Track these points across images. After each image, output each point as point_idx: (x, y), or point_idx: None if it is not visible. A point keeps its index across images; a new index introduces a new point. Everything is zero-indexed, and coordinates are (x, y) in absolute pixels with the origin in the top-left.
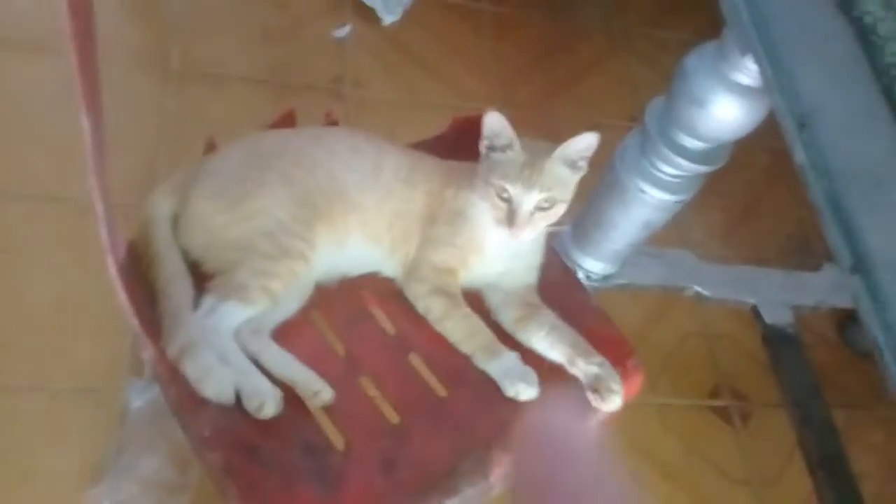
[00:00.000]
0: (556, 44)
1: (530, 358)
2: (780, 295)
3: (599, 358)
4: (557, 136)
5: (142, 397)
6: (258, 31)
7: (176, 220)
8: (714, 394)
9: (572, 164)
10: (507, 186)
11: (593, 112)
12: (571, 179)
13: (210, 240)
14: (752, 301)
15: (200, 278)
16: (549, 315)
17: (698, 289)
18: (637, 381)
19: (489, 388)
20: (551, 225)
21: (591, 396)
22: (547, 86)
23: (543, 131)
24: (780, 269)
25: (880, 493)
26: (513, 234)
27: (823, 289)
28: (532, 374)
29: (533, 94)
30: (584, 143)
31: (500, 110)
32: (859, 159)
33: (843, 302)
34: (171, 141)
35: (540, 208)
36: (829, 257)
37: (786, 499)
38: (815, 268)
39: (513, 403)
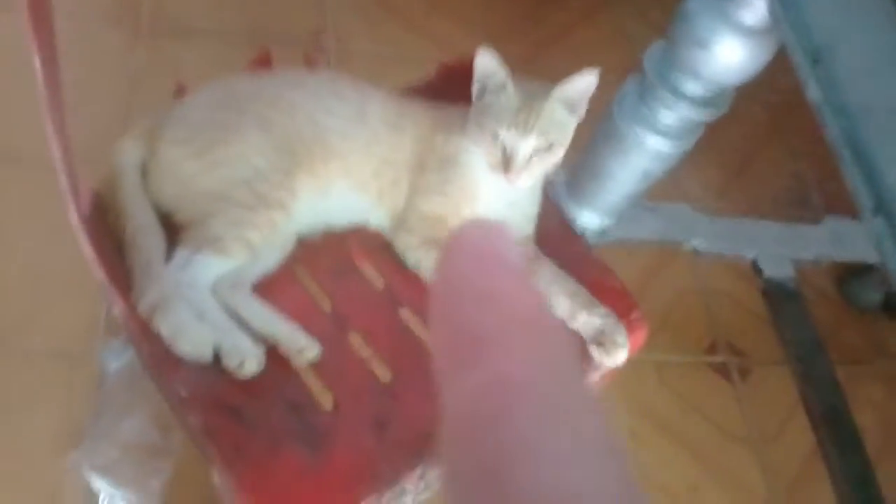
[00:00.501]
0: None
1: None
2: (780, 248)
3: (603, 309)
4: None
5: (119, 358)
6: None
7: (145, 168)
8: (712, 350)
9: (571, 106)
10: (502, 131)
11: (586, 65)
12: (570, 122)
13: (181, 189)
14: (751, 255)
15: (173, 230)
16: (547, 266)
17: (696, 243)
18: (640, 335)
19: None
20: (548, 170)
21: (594, 350)
22: (537, 39)
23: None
24: (779, 222)
25: (880, 448)
26: (509, 180)
27: (824, 242)
28: None
29: (523, 49)
30: (584, 82)
31: None
32: (878, 95)
33: (844, 255)
34: (141, 98)
35: (537, 152)
36: (829, 209)
37: (786, 455)
38: (815, 221)
39: None
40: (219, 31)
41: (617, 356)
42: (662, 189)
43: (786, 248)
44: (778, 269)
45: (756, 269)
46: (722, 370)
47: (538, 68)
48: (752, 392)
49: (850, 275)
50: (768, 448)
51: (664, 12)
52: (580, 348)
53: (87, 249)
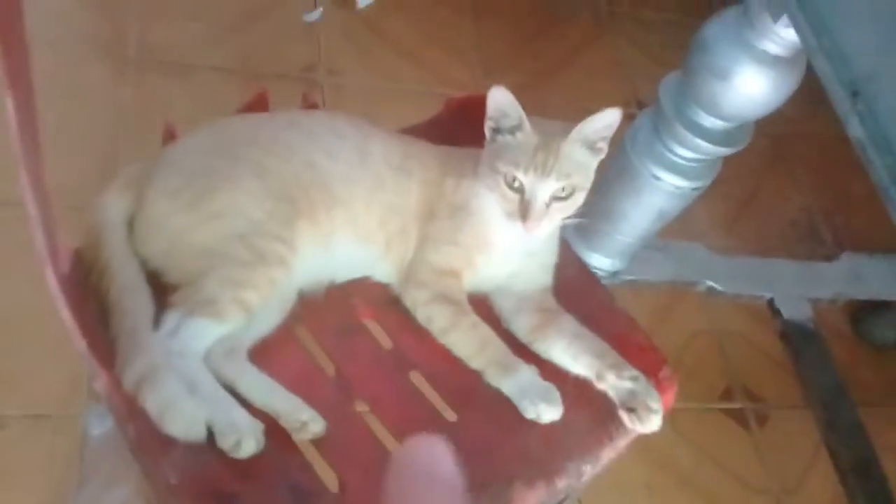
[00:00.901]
0: (541, 27)
1: (550, 372)
2: (797, 288)
3: (633, 371)
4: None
5: (103, 423)
6: (222, 15)
7: (131, 223)
8: (727, 395)
9: (591, 146)
10: (519, 174)
11: (584, 97)
12: (591, 163)
13: (171, 245)
14: (767, 295)
15: (162, 291)
16: (569, 321)
17: (711, 283)
18: (671, 395)
19: (505, 410)
20: (569, 217)
21: (625, 416)
22: (534, 71)
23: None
24: (793, 260)
25: None
26: (527, 228)
27: (840, 279)
28: (554, 392)
29: (520, 80)
30: (605, 120)
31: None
32: None
33: (861, 293)
34: (128, 136)
35: (557, 198)
36: (837, 243)
37: None
38: (826, 257)
39: (534, 427)
40: (208, 65)
41: (651, 423)
42: (668, 225)
43: (803, 288)
44: (796, 309)
45: (773, 310)
46: (738, 417)
47: (535, 99)
48: (770, 440)
49: (865, 312)
50: (790, 499)
51: (662, 40)
52: (608, 412)
53: (65, 315)
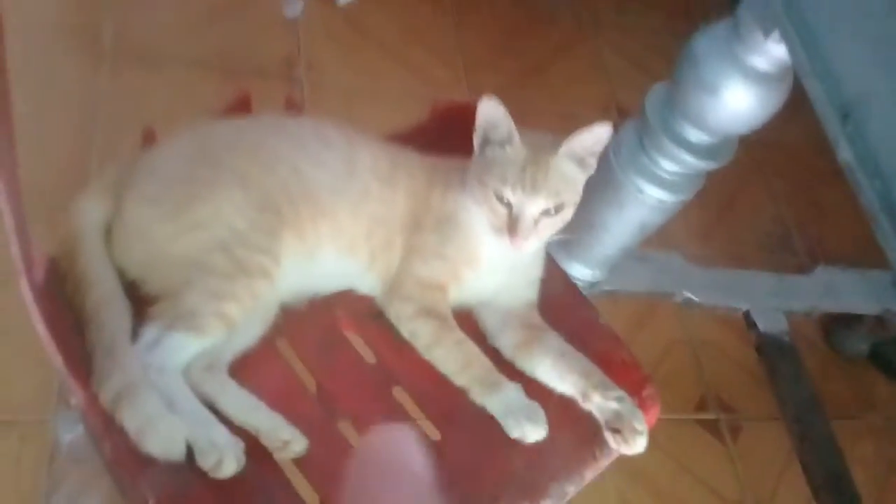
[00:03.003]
0: (522, 28)
1: (535, 390)
2: (773, 300)
3: (618, 391)
4: (529, 126)
5: (74, 429)
6: (200, 9)
7: (108, 231)
8: (702, 406)
9: (580, 161)
10: (507, 191)
11: (565, 100)
12: (580, 178)
13: (150, 254)
14: (744, 307)
15: (140, 303)
16: (554, 339)
17: (688, 294)
18: (654, 413)
19: (490, 429)
20: (557, 233)
21: (610, 437)
22: (514, 72)
23: (515, 122)
24: (769, 273)
25: None
26: (514, 244)
27: (816, 293)
28: (539, 411)
29: (500, 82)
30: (595, 135)
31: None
32: None
33: (836, 306)
34: (104, 131)
35: (545, 214)
36: (810, 254)
37: None
38: (799, 268)
39: (519, 446)
40: (186, 59)
41: (636, 445)
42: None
43: (779, 301)
44: (772, 322)
45: (749, 322)
46: (712, 428)
47: (515, 100)
48: (743, 451)
49: (838, 324)
50: None
51: (644, 46)
52: (593, 432)
53: (40, 329)
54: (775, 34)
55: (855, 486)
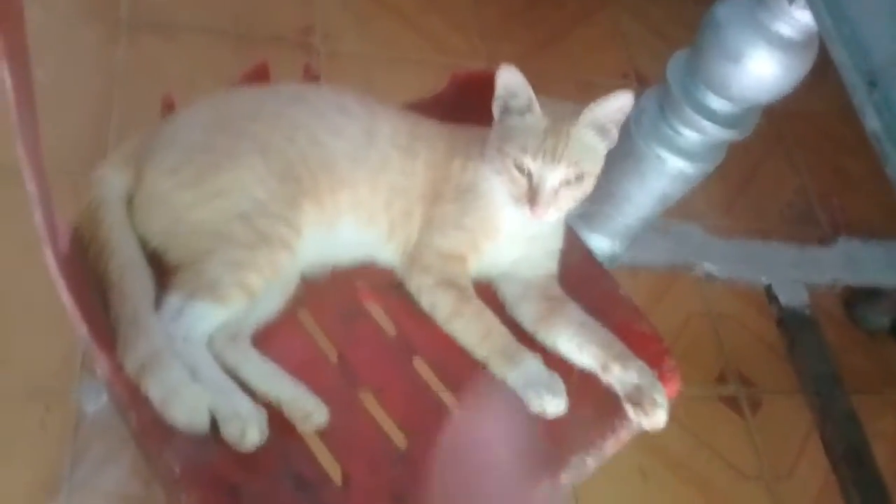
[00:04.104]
0: None
1: (555, 364)
2: (794, 272)
3: (638, 362)
4: (548, 94)
5: (98, 399)
6: None
7: (130, 200)
8: (721, 379)
9: (602, 130)
10: (527, 160)
11: (583, 68)
12: (601, 148)
13: (172, 224)
14: (765, 280)
15: (162, 271)
16: (575, 310)
17: (708, 267)
18: (674, 386)
19: (509, 401)
20: (577, 202)
21: (630, 410)
22: (532, 40)
23: (533, 90)
24: (791, 244)
25: (891, 484)
26: (535, 214)
27: (837, 265)
28: (559, 384)
29: (518, 50)
30: (617, 103)
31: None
32: None
33: (858, 279)
34: (122, 100)
35: (566, 184)
36: (832, 225)
37: (799, 493)
38: (821, 239)
39: (538, 419)
40: (202, 27)
41: (656, 417)
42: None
43: (800, 273)
44: (793, 295)
45: (770, 295)
46: (732, 402)
47: (533, 69)
48: (762, 426)
49: (859, 298)
50: (781, 486)
51: (664, 13)
52: (613, 406)
53: (66, 299)
54: (800, 0)
55: (875, 460)
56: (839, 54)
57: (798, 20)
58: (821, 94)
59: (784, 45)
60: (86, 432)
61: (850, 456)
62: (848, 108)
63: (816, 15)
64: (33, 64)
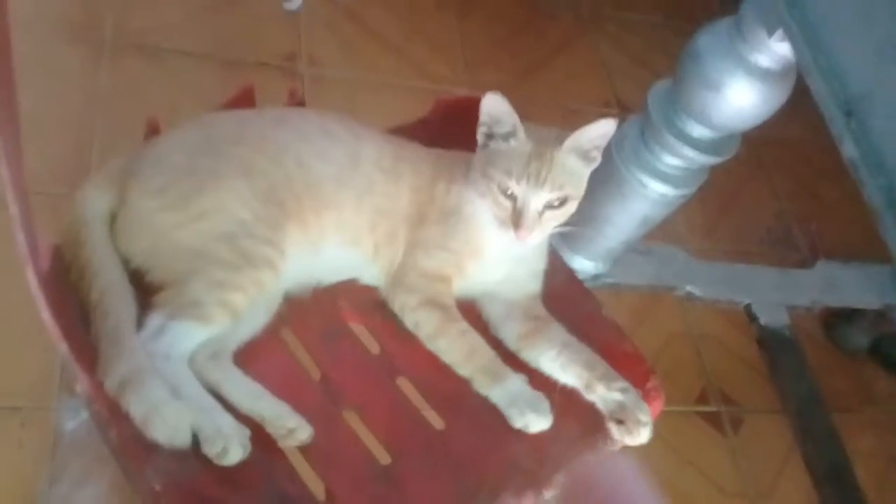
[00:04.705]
0: (523, 24)
1: (539, 381)
2: (775, 294)
3: (622, 382)
4: (531, 121)
5: (77, 416)
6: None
7: (113, 220)
8: (703, 398)
9: (585, 155)
10: (511, 184)
11: (565, 96)
12: (584, 172)
13: (155, 244)
14: (745, 301)
15: (144, 291)
16: (558, 330)
17: (690, 288)
18: (658, 405)
19: (493, 419)
20: (560, 225)
21: (613, 428)
22: (515, 68)
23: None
24: (772, 267)
25: (873, 501)
26: (519, 237)
27: (818, 287)
28: (543, 401)
29: (501, 78)
30: (599, 130)
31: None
32: None
33: (837, 301)
34: (105, 122)
35: (550, 207)
36: (811, 250)
37: None
38: (800, 263)
39: (522, 436)
40: (187, 51)
41: (640, 435)
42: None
43: (780, 295)
44: (773, 316)
45: (751, 316)
46: (714, 420)
47: (516, 96)
48: (744, 443)
49: (838, 319)
50: (763, 503)
51: (643, 42)
52: (597, 423)
53: (46, 317)
54: (778, 32)
55: (856, 478)
56: (817, 85)
57: (776, 52)
58: (800, 122)
59: (762, 75)
60: (64, 450)
61: (831, 474)
62: (826, 135)
63: (795, 46)
64: (19, 87)
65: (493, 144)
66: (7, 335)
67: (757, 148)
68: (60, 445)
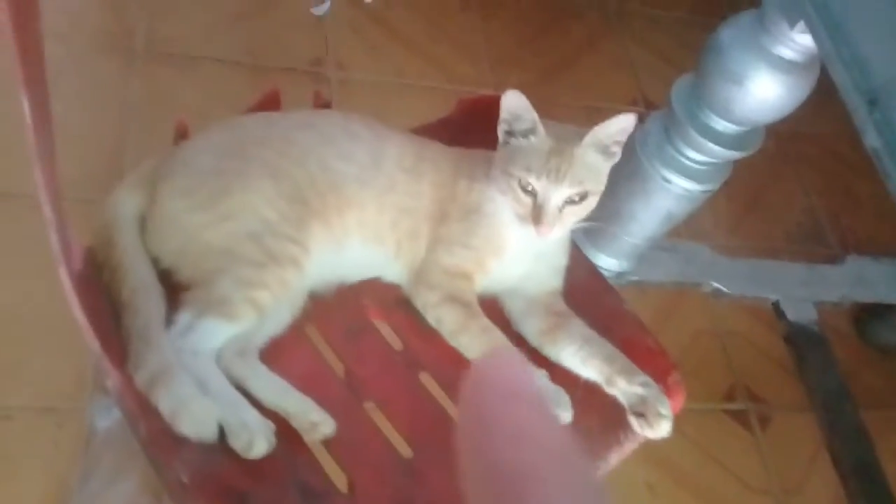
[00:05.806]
0: (548, 23)
1: (560, 376)
2: (803, 290)
3: (643, 376)
4: (558, 120)
5: (109, 416)
6: (230, 8)
7: (143, 221)
8: (730, 396)
9: (605, 151)
10: (532, 179)
11: (591, 95)
12: (604, 168)
13: (184, 244)
14: (773, 297)
15: (173, 290)
16: (579, 325)
17: (716, 285)
18: (679, 400)
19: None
20: (581, 220)
21: (634, 422)
22: (540, 68)
23: (540, 116)
24: (800, 263)
25: None
26: (539, 233)
27: (846, 283)
28: (563, 396)
29: (526, 77)
30: (619, 125)
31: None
32: None
33: (867, 296)
34: (137, 129)
35: (570, 202)
36: (842, 245)
37: None
38: (830, 259)
39: None
40: (216, 58)
41: (660, 429)
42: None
43: (808, 291)
44: (801, 312)
45: (779, 312)
46: (741, 418)
47: (542, 96)
48: (772, 441)
49: (869, 315)
50: (790, 501)
51: (670, 39)
52: (618, 421)
53: (78, 316)
54: (800, 24)
55: (885, 476)
56: (839, 75)
57: (799, 43)
58: (829, 117)
59: (785, 67)
60: (96, 448)
61: (859, 472)
62: (854, 129)
63: (817, 37)
64: (52, 94)
65: (513, 142)
66: (44, 339)
67: (785, 143)
68: (93, 444)
